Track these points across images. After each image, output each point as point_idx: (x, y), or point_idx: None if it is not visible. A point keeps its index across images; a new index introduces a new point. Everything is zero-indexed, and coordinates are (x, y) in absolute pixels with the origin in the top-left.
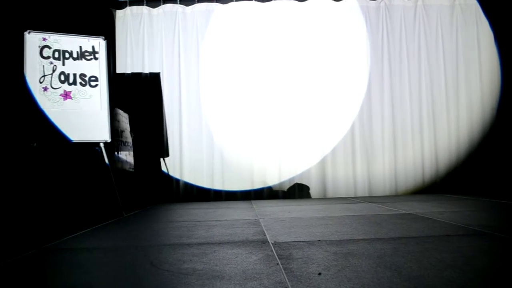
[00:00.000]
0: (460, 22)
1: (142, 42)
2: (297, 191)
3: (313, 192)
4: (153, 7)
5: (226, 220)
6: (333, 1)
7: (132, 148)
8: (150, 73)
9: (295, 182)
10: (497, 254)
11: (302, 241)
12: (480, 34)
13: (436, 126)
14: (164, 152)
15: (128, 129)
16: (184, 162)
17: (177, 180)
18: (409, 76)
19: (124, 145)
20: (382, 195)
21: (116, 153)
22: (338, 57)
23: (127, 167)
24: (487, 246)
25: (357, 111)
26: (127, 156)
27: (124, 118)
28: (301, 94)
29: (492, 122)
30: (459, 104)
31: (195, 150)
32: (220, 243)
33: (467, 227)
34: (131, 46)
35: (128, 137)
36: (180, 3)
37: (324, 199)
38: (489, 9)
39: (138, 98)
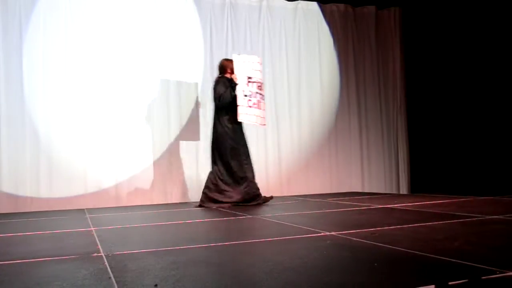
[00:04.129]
0: (302, 25)
1: None
2: (137, 196)
3: (155, 196)
4: None
5: (53, 232)
6: None
7: None
8: None
9: (134, 186)
10: (334, 254)
11: (139, 251)
12: (321, 38)
13: (279, 126)
14: None
15: None
16: (2, 168)
17: None
18: None
19: None
20: None
21: None
22: (180, 56)
23: None
24: (323, 247)
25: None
26: None
27: None
28: (139, 92)
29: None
30: (300, 105)
31: (16, 154)
32: (44, 259)
33: (307, 228)
34: None
35: None
36: None
37: (166, 204)
38: (328, 15)
39: None
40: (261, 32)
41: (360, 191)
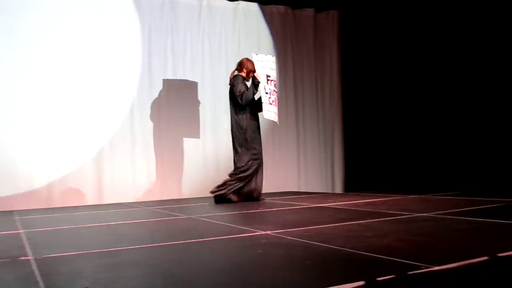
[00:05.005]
0: (242, 26)
1: None
2: (70, 197)
3: (89, 196)
4: None
5: None
6: None
7: None
8: None
9: (67, 186)
10: (268, 253)
11: (71, 254)
12: (261, 39)
13: (218, 126)
14: None
15: None
16: None
17: None
18: (192, 74)
19: None
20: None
21: None
22: (118, 56)
23: None
24: (257, 246)
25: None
26: None
27: None
28: (74, 91)
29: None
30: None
31: None
32: None
33: (243, 228)
34: None
35: None
36: None
37: (100, 205)
38: (268, 16)
39: None
40: (201, 32)
41: (296, 190)
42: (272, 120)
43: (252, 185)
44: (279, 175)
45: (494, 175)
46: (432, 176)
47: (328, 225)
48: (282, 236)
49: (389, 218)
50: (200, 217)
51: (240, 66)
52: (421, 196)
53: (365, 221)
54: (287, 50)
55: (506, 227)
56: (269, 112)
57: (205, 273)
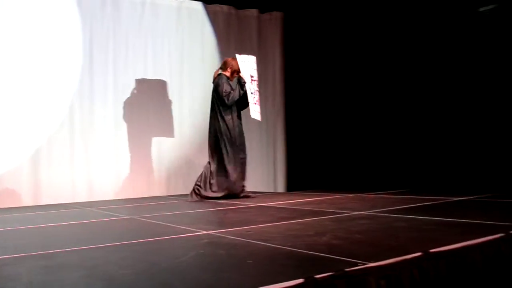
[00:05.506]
0: (186, 25)
1: None
2: (6, 197)
3: (25, 197)
4: None
5: None
6: None
7: None
8: None
9: (3, 185)
10: (209, 252)
11: (4, 257)
12: (205, 38)
13: (162, 127)
14: None
15: None
16: None
17: None
18: (134, 73)
19: None
20: (109, 199)
21: None
22: (58, 54)
23: None
24: (199, 246)
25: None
26: None
27: None
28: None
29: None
30: (182, 107)
31: None
32: None
33: (184, 228)
34: None
35: None
36: None
37: (37, 206)
38: (212, 15)
39: None
40: (143, 31)
41: None
42: (257, 119)
43: (235, 180)
44: None
45: (434, 174)
46: (373, 175)
47: (269, 224)
48: (224, 235)
49: (328, 217)
50: (142, 217)
51: (225, 65)
52: (360, 194)
53: (305, 219)
54: (230, 49)
55: (439, 224)
56: (255, 112)
57: (146, 274)
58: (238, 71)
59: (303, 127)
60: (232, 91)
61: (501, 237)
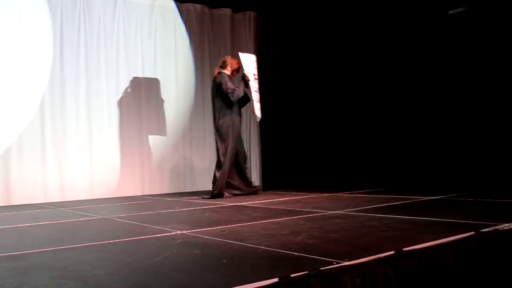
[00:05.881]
0: (159, 23)
1: None
2: None
3: None
4: None
5: None
6: None
7: None
8: None
9: None
10: (184, 252)
11: None
12: (178, 38)
13: (132, 126)
14: None
15: None
16: None
17: None
18: (106, 70)
19: None
20: (83, 199)
21: None
22: (28, 52)
23: None
24: (173, 246)
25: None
26: None
27: None
28: None
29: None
30: (156, 107)
31: None
32: None
33: (158, 228)
34: None
35: None
36: None
37: (7, 206)
38: (185, 14)
39: None
40: (115, 28)
41: None
42: (258, 116)
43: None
44: (196, 174)
45: (408, 173)
46: (347, 174)
47: (244, 224)
48: (198, 235)
49: (303, 216)
50: (115, 217)
51: (224, 64)
52: (334, 194)
53: (280, 219)
54: (204, 48)
55: (412, 222)
56: (257, 109)
57: (120, 274)
58: (238, 70)
59: (278, 126)
60: (236, 88)
61: (472, 235)
